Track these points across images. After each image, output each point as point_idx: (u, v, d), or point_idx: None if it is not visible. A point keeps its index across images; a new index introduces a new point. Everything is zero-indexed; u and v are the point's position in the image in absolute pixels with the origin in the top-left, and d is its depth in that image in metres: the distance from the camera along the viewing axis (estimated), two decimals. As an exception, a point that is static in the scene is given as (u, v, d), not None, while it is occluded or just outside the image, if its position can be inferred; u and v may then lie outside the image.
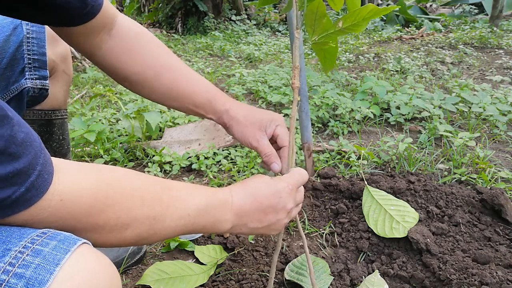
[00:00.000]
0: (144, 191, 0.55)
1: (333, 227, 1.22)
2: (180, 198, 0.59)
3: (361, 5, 0.75)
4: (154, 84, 0.80)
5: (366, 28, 6.10)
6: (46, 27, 0.87)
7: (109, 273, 0.44)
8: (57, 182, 0.45)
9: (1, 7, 0.58)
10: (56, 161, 0.47)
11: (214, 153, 1.74)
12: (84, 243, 0.44)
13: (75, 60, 3.82)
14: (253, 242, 1.16)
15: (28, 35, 0.84)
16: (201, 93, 0.82)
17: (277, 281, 1.01)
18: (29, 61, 0.85)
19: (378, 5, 8.51)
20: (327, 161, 1.66)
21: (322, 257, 1.10)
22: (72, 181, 0.47)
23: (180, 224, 0.59)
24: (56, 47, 0.91)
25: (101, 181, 0.51)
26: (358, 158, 1.62)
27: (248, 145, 0.82)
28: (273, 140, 0.83)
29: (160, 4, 6.84)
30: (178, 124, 2.10)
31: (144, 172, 1.62)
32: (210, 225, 0.63)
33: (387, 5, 7.29)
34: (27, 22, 0.83)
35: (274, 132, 0.82)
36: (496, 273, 0.96)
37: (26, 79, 0.85)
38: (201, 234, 1.19)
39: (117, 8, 8.85)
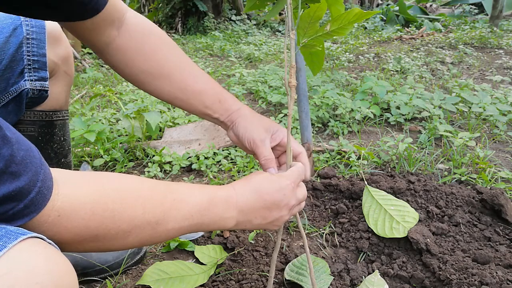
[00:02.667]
0: (145, 198, 0.55)
1: (333, 227, 1.22)
2: (182, 201, 0.60)
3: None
4: (162, 84, 0.79)
5: (365, 28, 6.10)
6: (47, 27, 0.86)
7: (58, 272, 0.39)
8: (56, 197, 0.45)
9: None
10: (55, 173, 0.47)
11: (214, 153, 1.74)
12: (33, 237, 0.40)
13: (75, 60, 3.82)
14: (253, 242, 1.16)
15: (28, 36, 0.82)
16: (211, 94, 0.82)
17: (277, 281, 1.01)
18: (29, 62, 0.84)
19: (378, 5, 8.52)
20: (327, 161, 1.66)
21: (322, 257, 1.10)
22: (70, 195, 0.47)
23: (184, 225, 0.60)
24: (57, 48, 0.90)
25: (100, 193, 0.50)
26: (358, 158, 1.62)
27: (249, 142, 0.80)
28: (276, 147, 0.84)
29: (160, 4, 6.84)
30: (178, 124, 2.10)
31: (144, 172, 1.62)
32: (214, 223, 0.64)
33: (387, 5, 7.29)
34: (27, 23, 0.82)
35: (282, 140, 0.82)
36: (496, 273, 0.96)
37: (25, 80, 0.84)
38: (201, 234, 1.19)
39: (117, 8, 8.89)
